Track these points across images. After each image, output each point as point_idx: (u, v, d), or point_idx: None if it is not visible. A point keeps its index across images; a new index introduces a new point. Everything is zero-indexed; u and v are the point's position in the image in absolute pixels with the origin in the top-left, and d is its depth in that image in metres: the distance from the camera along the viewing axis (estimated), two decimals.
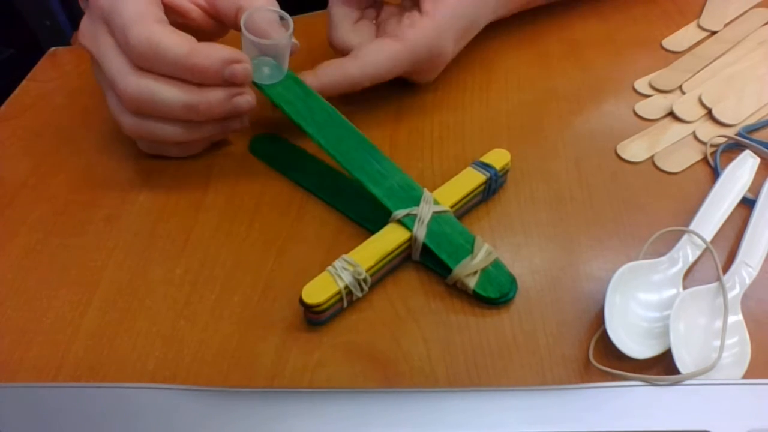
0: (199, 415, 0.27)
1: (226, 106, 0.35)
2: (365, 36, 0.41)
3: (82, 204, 0.39)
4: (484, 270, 0.32)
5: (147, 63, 0.34)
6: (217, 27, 0.39)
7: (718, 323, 0.29)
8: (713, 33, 0.48)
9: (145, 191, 0.39)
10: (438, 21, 0.39)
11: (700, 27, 0.48)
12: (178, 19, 0.37)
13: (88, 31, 0.37)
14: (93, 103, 0.46)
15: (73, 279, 0.35)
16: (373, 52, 0.39)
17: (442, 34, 0.40)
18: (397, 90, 0.44)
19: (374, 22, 0.43)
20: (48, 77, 0.50)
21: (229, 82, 0.35)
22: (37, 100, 0.48)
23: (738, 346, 0.29)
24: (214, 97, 0.35)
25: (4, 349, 0.32)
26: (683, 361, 0.28)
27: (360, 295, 0.32)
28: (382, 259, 0.32)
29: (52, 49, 0.54)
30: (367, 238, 0.33)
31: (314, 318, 0.31)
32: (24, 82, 0.50)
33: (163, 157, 0.41)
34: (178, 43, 0.33)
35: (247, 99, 0.36)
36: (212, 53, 0.34)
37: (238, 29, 0.35)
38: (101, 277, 0.35)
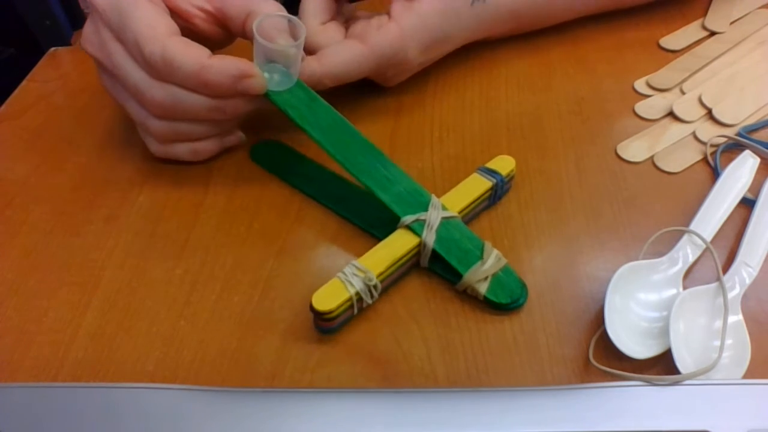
0: (199, 415, 0.27)
1: (250, 105, 0.36)
2: (331, 38, 0.41)
3: (82, 204, 0.39)
4: (494, 275, 0.32)
5: (163, 77, 0.34)
6: (223, 35, 0.39)
7: (718, 323, 0.29)
8: (713, 33, 0.48)
9: (145, 191, 0.39)
10: (404, 27, 0.39)
11: (704, 28, 0.48)
12: (181, 23, 0.37)
13: (94, 38, 0.36)
14: (93, 103, 0.46)
15: (73, 279, 0.35)
16: (337, 53, 0.39)
17: (408, 42, 0.40)
18: (397, 90, 0.44)
19: (344, 25, 0.42)
20: (48, 77, 0.50)
21: (243, 95, 0.35)
22: (37, 100, 0.48)
23: (738, 346, 0.29)
24: (239, 100, 0.36)
25: (4, 349, 0.32)
26: (683, 361, 0.28)
27: (370, 301, 0.31)
28: (392, 265, 0.32)
29: (52, 49, 0.54)
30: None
31: (325, 326, 0.31)
32: (24, 82, 0.50)
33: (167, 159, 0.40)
34: (190, 61, 0.33)
35: None
36: (224, 69, 0.34)
37: (245, 36, 0.35)
38: (101, 277, 0.35)
